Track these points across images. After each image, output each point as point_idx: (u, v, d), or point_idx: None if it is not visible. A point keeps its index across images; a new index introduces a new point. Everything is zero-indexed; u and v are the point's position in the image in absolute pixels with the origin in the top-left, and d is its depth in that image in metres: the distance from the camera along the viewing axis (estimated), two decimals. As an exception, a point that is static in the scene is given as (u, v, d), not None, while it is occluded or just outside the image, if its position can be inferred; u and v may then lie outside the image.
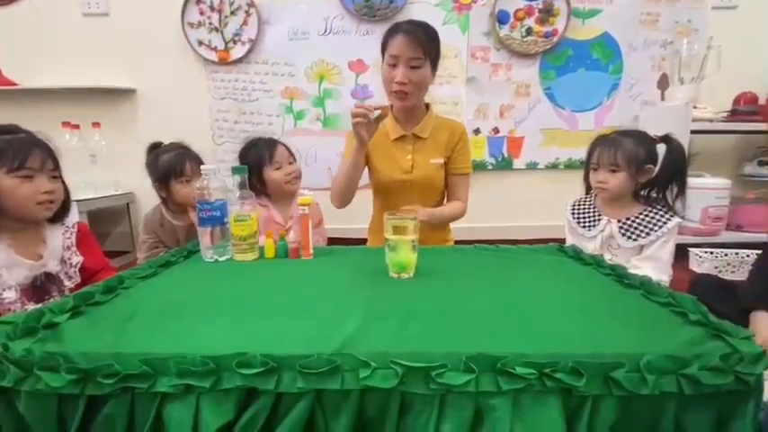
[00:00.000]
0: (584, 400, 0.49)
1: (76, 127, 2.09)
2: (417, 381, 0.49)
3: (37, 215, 0.92)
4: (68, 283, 0.98)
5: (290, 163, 1.41)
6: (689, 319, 0.59)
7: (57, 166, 0.95)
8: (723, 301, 1.09)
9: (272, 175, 1.36)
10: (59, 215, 0.99)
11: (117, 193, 2.24)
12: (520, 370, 0.48)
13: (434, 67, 1.21)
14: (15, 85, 2.20)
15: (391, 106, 1.27)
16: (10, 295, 0.85)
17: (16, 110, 2.23)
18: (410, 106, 1.24)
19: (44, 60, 2.24)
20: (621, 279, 0.78)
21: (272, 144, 1.39)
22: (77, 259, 1.02)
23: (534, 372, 0.48)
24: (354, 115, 1.07)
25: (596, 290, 0.75)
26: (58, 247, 0.98)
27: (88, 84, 2.19)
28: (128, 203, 2.33)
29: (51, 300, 0.93)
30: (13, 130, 0.92)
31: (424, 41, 1.14)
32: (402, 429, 0.50)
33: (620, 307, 0.66)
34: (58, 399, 0.51)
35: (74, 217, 1.04)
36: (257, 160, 1.35)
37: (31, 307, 0.89)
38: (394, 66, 1.16)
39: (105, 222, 2.35)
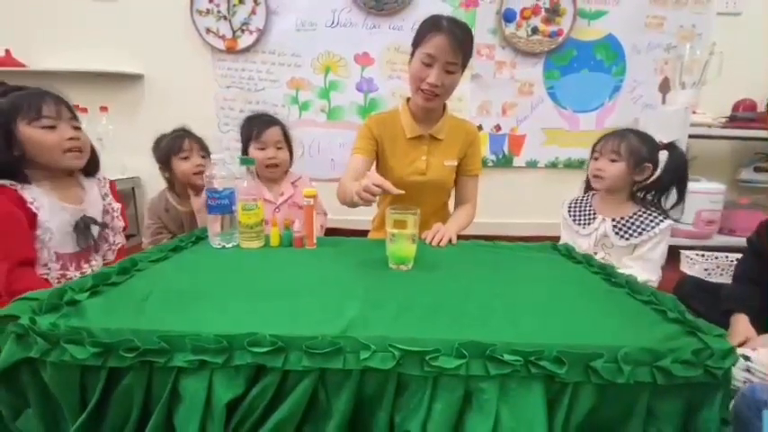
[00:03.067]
0: (565, 387, 0.53)
1: (84, 110, 2.11)
2: (413, 363, 0.53)
3: (67, 163, 0.96)
4: (119, 238, 1.03)
5: (279, 148, 1.38)
6: (667, 317, 0.64)
7: (74, 116, 0.98)
8: (705, 302, 1.14)
9: (254, 153, 1.36)
10: (92, 167, 1.03)
11: (123, 177, 2.27)
12: (507, 357, 0.53)
13: (463, 71, 1.17)
14: (24, 66, 2.22)
15: (407, 99, 1.27)
16: (57, 239, 0.90)
17: (25, 91, 2.25)
18: (433, 108, 1.22)
19: (53, 43, 2.25)
20: (609, 278, 0.83)
21: (266, 123, 1.37)
22: (117, 205, 1.06)
23: (520, 359, 0.53)
24: (361, 198, 0.94)
25: (584, 287, 0.80)
26: (97, 196, 1.03)
27: (96, 68, 2.21)
28: (133, 187, 2.37)
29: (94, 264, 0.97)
30: (24, 87, 0.95)
31: (465, 46, 1.10)
32: (398, 407, 0.55)
33: (604, 303, 0.71)
34: (81, 370, 0.56)
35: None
36: (248, 134, 1.37)
37: (71, 274, 0.93)
38: (428, 65, 1.11)
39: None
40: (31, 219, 0.87)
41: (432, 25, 1.10)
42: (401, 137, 1.27)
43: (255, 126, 1.36)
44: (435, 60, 1.10)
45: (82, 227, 0.96)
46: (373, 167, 1.31)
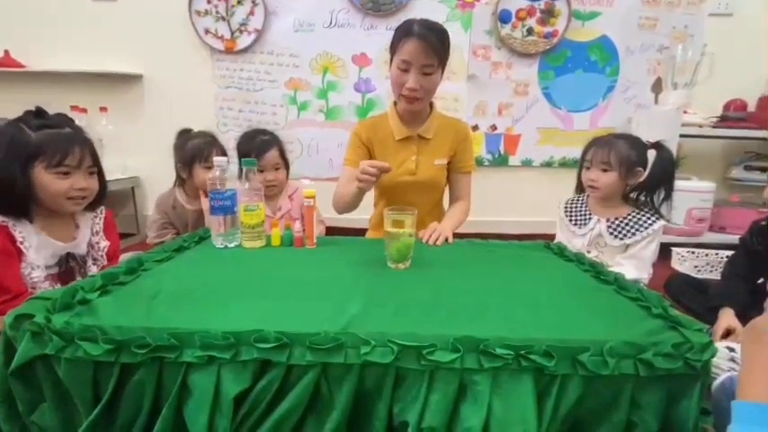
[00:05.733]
0: (554, 379, 0.57)
1: (84, 111, 2.13)
2: (410, 358, 0.56)
3: (66, 209, 0.95)
4: (94, 268, 1.03)
5: (277, 169, 1.41)
6: (652, 312, 0.67)
7: (95, 162, 0.98)
8: (694, 298, 1.18)
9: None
10: (95, 204, 1.03)
11: (123, 176, 2.29)
12: (499, 351, 0.56)
13: (444, 69, 1.19)
14: (23, 67, 2.23)
15: (395, 102, 1.29)
16: (38, 274, 0.90)
17: (24, 92, 2.26)
18: (418, 110, 1.25)
19: (52, 44, 2.26)
20: (598, 275, 0.86)
21: (264, 145, 1.39)
22: (104, 244, 1.06)
23: (512, 353, 0.56)
24: (360, 180, 1.03)
25: (574, 284, 0.83)
26: (88, 233, 1.03)
27: (96, 68, 2.23)
28: (133, 187, 2.39)
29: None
30: (58, 123, 0.93)
31: (438, 47, 1.11)
32: (396, 399, 0.58)
33: (593, 300, 0.74)
34: (95, 365, 0.58)
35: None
36: (246, 154, 1.37)
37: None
38: (405, 71, 1.14)
39: (111, 205, 2.36)
40: (19, 255, 0.88)
41: (404, 31, 1.12)
42: (390, 139, 1.30)
43: (253, 149, 1.37)
44: (411, 65, 1.12)
45: (65, 261, 0.97)
46: None
